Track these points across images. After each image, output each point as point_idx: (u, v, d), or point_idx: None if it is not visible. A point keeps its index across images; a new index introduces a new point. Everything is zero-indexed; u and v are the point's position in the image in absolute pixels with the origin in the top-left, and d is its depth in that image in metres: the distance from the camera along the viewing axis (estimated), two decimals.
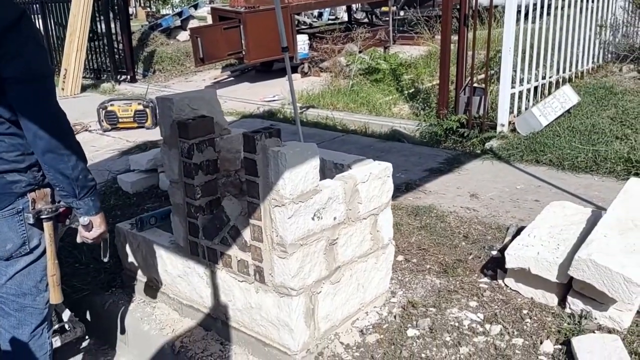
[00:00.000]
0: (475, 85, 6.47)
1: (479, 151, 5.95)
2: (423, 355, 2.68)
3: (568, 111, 6.04)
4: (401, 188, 4.86)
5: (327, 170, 3.13)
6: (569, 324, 2.76)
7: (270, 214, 2.51)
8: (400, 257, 3.63)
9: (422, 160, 5.63)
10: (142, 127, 7.68)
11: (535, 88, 6.55)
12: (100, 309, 3.51)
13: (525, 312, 2.91)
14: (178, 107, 2.86)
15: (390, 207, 3.10)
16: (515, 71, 6.12)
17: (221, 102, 9.64)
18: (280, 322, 2.66)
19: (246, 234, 2.68)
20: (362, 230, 2.91)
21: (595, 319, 2.74)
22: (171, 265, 3.19)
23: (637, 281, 2.46)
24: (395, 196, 4.62)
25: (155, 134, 7.33)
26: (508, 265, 2.98)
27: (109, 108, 7.61)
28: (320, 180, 2.68)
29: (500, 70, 6.07)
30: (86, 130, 7.82)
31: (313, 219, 2.59)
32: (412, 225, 4.00)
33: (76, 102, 10.10)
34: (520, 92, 6.29)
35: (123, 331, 3.35)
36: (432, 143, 6.52)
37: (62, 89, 11.06)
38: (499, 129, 6.11)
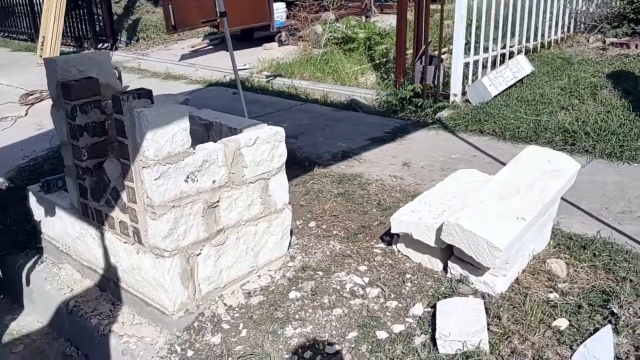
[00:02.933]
0: (431, 54, 6.40)
1: (430, 121, 5.91)
2: (297, 316, 2.72)
3: (521, 81, 5.97)
4: (337, 156, 4.87)
5: (224, 134, 3.14)
6: (446, 288, 2.79)
7: (140, 176, 2.53)
8: (312, 224, 3.66)
9: (368, 130, 5.61)
10: None
11: (495, 57, 6.46)
12: (12, 269, 3.57)
13: (408, 276, 2.93)
14: (63, 68, 2.87)
15: (285, 172, 3.10)
16: (469, 40, 6.03)
17: (192, 71, 9.55)
18: (157, 282, 2.70)
19: (124, 195, 2.71)
20: (249, 194, 2.92)
21: (472, 283, 2.76)
22: (71, 227, 3.24)
23: (499, 245, 2.47)
24: (328, 164, 4.67)
25: None
26: (393, 230, 3.00)
27: None
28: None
29: (453, 39, 5.99)
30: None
31: (186, 181, 2.61)
32: (332, 193, 4.01)
33: None
34: (476, 62, 6.21)
35: (30, 291, 3.42)
36: (387, 113, 6.48)
37: (40, 56, 11.04)
38: (451, 98, 6.06)
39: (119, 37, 12.76)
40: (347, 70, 8.28)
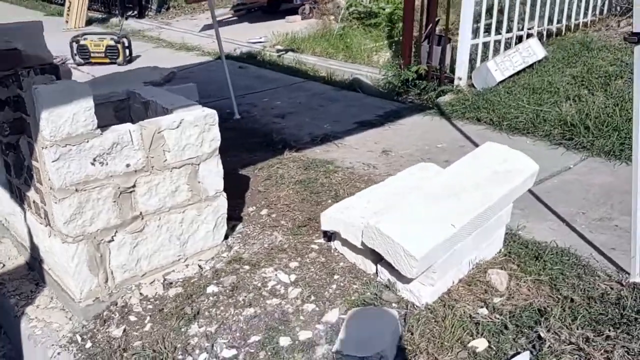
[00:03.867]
0: (440, 34, 6.02)
1: (430, 105, 5.59)
2: (207, 313, 2.56)
3: (531, 66, 5.55)
4: (317, 140, 4.63)
5: (159, 114, 2.96)
6: (371, 293, 2.56)
7: (42, 157, 2.40)
8: (264, 211, 3.47)
9: (361, 112, 5.34)
10: (114, 63, 7.64)
11: (510, 40, 6.02)
12: None
13: (336, 277, 2.72)
14: None
15: (219, 158, 2.91)
16: (479, 20, 5.63)
17: (208, 42, 9.38)
18: (65, 268, 2.59)
19: (35, 175, 2.59)
20: (173, 180, 2.76)
21: (399, 290, 2.53)
22: (6, 202, 3.16)
23: (415, 254, 2.22)
24: (304, 147, 4.45)
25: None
26: (323, 227, 2.79)
27: (82, 42, 7.59)
28: None
29: (461, 18, 5.58)
30: (63, 63, 7.82)
31: (93, 164, 2.46)
32: (293, 179, 3.80)
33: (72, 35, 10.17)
34: (487, 44, 5.80)
35: None
36: (390, 95, 6.16)
37: (66, 22, 11.15)
38: (455, 82, 5.70)
39: (150, 5, 12.73)
40: (362, 47, 7.95)
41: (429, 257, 2.28)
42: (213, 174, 2.91)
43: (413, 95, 6.05)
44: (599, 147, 4.13)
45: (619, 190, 3.56)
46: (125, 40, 7.75)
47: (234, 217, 3.45)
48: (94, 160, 2.46)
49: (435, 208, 2.45)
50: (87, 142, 2.41)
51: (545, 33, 6.45)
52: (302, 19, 10.51)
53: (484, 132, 4.72)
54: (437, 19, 5.96)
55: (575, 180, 3.76)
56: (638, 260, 2.55)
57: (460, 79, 5.67)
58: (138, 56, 8.28)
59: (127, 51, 7.81)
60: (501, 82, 5.39)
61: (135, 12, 12.08)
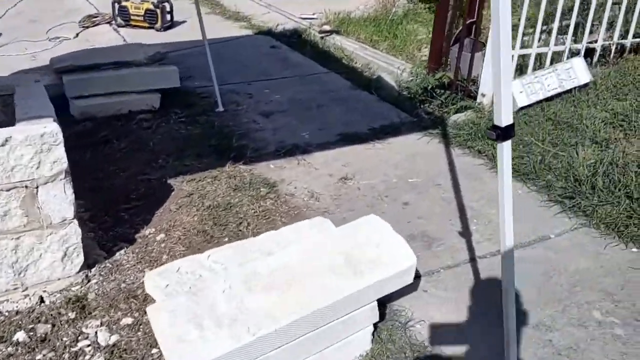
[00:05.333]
0: (474, 38, 5.15)
1: (440, 124, 4.82)
2: None
3: (570, 91, 4.59)
4: (281, 151, 4.11)
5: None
6: None
7: None
8: (160, 237, 3.08)
9: (356, 120, 4.71)
10: (152, 28, 7.44)
11: (560, 54, 5.05)
12: None
13: (154, 351, 2.27)
14: None
15: (68, 182, 2.52)
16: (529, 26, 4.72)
17: (263, 12, 8.90)
18: None
19: None
20: (1, 204, 2.41)
21: None
22: None
23: None
24: (259, 160, 3.98)
25: (161, 37, 7.08)
26: (145, 289, 2.32)
27: (123, 3, 7.43)
28: None
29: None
30: (107, 22, 7.75)
31: None
32: (211, 202, 3.34)
33: None
34: (526, 57, 4.89)
35: None
36: (409, 102, 5.40)
37: None
38: (478, 99, 4.86)
39: None
40: (412, 37, 7.14)
41: None
42: (58, 200, 2.53)
43: (434, 106, 5.26)
44: (600, 216, 3.27)
45: (591, 284, 2.76)
46: (166, 5, 7.49)
47: (127, 238, 3.09)
48: None
49: (246, 299, 1.91)
50: None
51: (613, 49, 5.36)
52: None
53: (476, 169, 3.94)
54: (472, 20, 5.09)
55: (544, 259, 2.98)
56: None
57: (483, 95, 4.83)
58: (184, 22, 8.01)
59: (168, 16, 7.56)
60: (527, 106, 4.51)
61: None
